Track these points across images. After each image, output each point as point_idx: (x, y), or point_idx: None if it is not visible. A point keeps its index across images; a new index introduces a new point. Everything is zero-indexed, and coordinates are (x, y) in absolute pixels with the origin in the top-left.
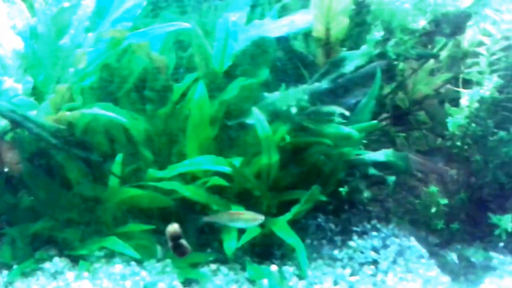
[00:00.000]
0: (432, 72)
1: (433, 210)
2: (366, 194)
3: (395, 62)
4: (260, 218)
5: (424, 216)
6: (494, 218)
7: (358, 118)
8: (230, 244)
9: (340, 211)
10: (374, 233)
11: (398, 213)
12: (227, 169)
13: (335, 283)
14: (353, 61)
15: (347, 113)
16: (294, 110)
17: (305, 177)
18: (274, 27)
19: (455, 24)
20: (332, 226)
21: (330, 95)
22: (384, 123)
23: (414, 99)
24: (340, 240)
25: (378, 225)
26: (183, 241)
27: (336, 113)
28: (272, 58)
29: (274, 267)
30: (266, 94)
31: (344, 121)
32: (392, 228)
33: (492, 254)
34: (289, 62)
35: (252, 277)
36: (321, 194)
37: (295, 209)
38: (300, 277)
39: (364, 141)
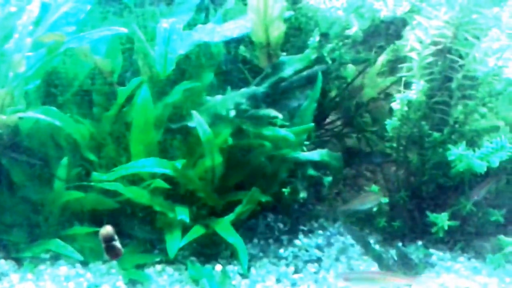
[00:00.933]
0: (379, 75)
1: (375, 208)
2: (302, 194)
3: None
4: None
5: (367, 215)
6: (432, 216)
7: (300, 120)
8: (173, 245)
9: (290, 210)
10: (320, 232)
11: (346, 211)
12: (169, 171)
13: (278, 281)
14: (293, 65)
15: (280, 115)
16: (232, 113)
17: (250, 178)
18: (217, 32)
19: (393, 30)
20: (281, 225)
21: (275, 98)
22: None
23: (362, 102)
24: (287, 239)
25: (325, 224)
26: (116, 243)
27: (271, 115)
28: (218, 62)
29: (218, 267)
30: (208, 97)
31: (287, 123)
32: (338, 226)
33: (432, 251)
34: (235, 66)
35: (193, 277)
36: (266, 194)
37: (237, 210)
38: (244, 276)
39: (307, 142)
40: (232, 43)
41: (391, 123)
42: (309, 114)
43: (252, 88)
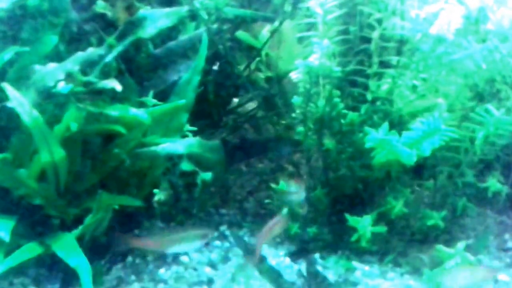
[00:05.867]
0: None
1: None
2: (159, 196)
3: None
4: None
5: None
6: (351, 220)
7: (179, 98)
8: None
9: (183, 217)
10: (217, 243)
11: (257, 215)
12: None
13: None
14: (156, 22)
15: (118, 88)
16: (61, 85)
17: (112, 178)
18: None
19: None
20: None
21: (146, 69)
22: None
23: (276, 77)
24: (172, 255)
25: (227, 232)
26: None
27: (107, 88)
28: (65, 22)
29: None
30: (37, 67)
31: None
32: (243, 235)
33: (356, 264)
34: (90, 26)
35: None
36: (136, 197)
37: (87, 221)
38: None
39: (192, 128)
40: None
41: (296, 101)
42: (190, 90)
43: (90, 52)
